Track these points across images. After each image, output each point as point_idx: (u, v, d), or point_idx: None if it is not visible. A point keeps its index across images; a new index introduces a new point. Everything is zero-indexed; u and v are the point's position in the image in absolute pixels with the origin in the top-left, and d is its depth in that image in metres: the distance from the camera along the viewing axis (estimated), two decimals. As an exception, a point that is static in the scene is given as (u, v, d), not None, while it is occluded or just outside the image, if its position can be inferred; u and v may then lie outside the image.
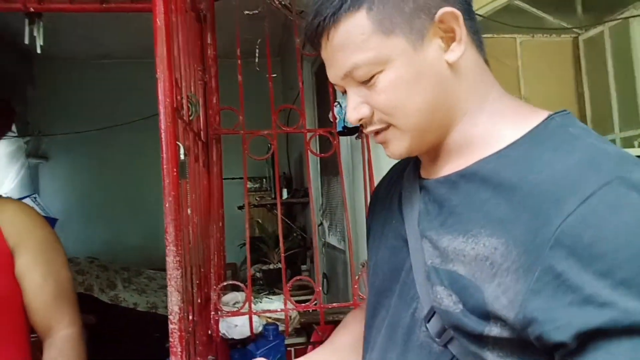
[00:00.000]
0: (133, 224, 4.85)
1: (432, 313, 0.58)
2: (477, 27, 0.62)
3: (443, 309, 0.55)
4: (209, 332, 1.66)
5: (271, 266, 3.93)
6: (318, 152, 3.61)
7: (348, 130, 1.85)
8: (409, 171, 0.73)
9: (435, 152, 0.64)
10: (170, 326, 1.17)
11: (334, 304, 1.64)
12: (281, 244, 1.62)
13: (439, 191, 0.62)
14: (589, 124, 2.30)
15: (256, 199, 4.17)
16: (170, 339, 1.17)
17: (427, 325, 0.59)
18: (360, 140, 1.95)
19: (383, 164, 1.93)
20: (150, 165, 5.20)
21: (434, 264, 0.58)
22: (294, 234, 4.15)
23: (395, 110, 0.59)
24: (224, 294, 1.72)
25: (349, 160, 2.48)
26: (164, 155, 1.21)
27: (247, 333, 1.67)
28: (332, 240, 3.08)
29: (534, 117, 0.58)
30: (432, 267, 0.58)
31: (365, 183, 1.91)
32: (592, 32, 2.44)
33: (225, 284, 1.59)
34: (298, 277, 1.59)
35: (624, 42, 2.26)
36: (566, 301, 0.44)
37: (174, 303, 1.17)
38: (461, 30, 0.58)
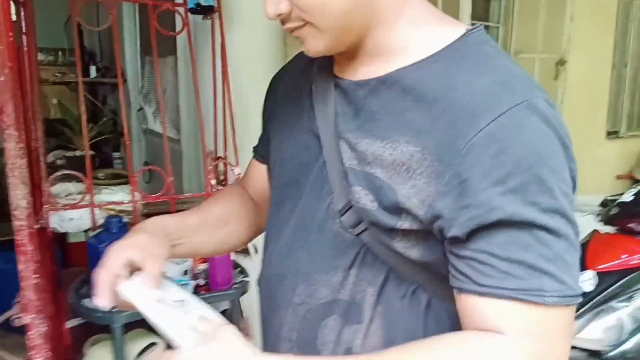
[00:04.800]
0: None
1: (347, 208, 0.63)
2: None
3: (360, 207, 0.60)
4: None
5: (77, 153, 3.52)
6: (137, 26, 3.21)
7: (201, 9, 1.67)
8: (319, 67, 0.71)
9: (353, 52, 0.63)
10: (17, 223, 1.00)
11: (187, 194, 1.59)
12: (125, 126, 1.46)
13: (357, 94, 0.62)
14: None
15: (55, 75, 3.57)
16: (17, 237, 1.01)
17: (341, 218, 0.63)
18: (209, 20, 1.79)
19: (232, 50, 1.82)
20: None
21: (352, 165, 0.61)
22: (105, 118, 3.74)
23: (313, 9, 0.57)
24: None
25: (186, 40, 2.27)
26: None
27: (84, 226, 1.52)
28: (156, 127, 2.88)
29: (452, 30, 0.61)
30: (350, 168, 0.61)
31: (214, 69, 1.80)
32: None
33: (60, 173, 1.39)
34: (149, 167, 1.47)
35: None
36: (465, 203, 0.51)
37: (19, 197, 0.99)
38: None
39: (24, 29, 1.42)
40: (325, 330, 0.63)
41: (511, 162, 0.50)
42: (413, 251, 0.59)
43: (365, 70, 0.62)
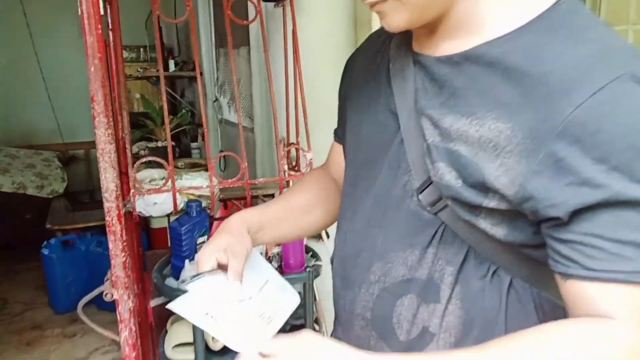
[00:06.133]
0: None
1: (425, 185, 0.61)
2: None
3: (444, 184, 0.58)
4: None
5: (159, 144, 3.72)
6: (211, 20, 3.32)
7: (273, -4, 1.69)
8: (397, 43, 0.69)
9: (434, 26, 0.61)
10: (107, 204, 1.07)
11: (261, 179, 1.63)
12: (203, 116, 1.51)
13: (439, 70, 0.60)
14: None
15: (138, 70, 3.78)
16: (107, 218, 1.08)
17: (419, 195, 0.61)
18: (281, 8, 1.81)
19: (303, 37, 1.83)
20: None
21: (435, 142, 0.59)
22: (183, 110, 3.92)
23: None
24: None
25: (258, 30, 2.31)
26: (84, 8, 1.00)
27: (167, 210, 1.59)
28: (231, 117, 2.97)
29: (542, 0, 0.56)
30: (432, 144, 0.59)
31: (286, 56, 1.81)
32: None
33: (144, 160, 1.46)
34: (225, 153, 1.52)
35: None
36: (565, 182, 0.49)
37: (109, 180, 1.06)
38: None
39: (109, 25, 1.51)
40: (400, 309, 0.62)
41: (614, 140, 0.47)
42: (498, 229, 0.56)
43: (446, 46, 0.60)
